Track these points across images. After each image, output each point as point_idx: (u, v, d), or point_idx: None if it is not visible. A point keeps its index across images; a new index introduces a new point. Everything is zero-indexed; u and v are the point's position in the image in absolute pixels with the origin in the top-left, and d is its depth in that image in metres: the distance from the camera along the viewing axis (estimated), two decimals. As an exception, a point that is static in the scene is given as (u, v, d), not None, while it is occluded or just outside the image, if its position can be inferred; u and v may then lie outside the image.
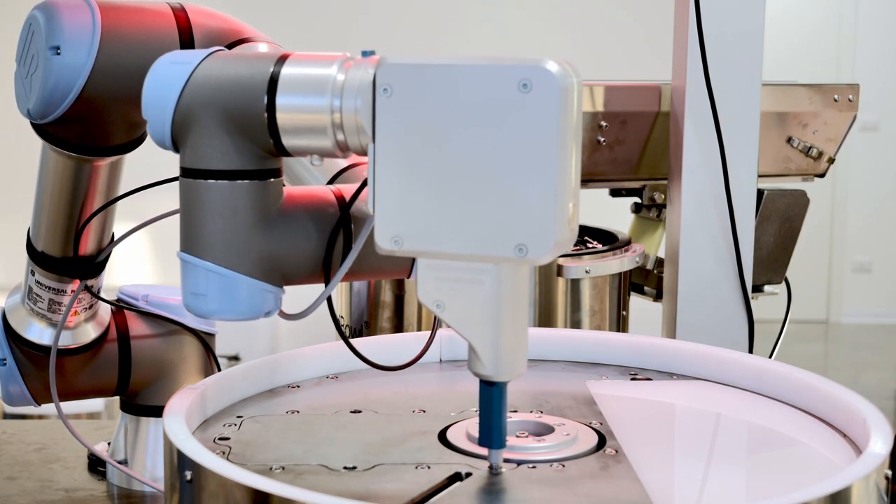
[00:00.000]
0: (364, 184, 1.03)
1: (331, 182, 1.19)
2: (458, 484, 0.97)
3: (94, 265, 1.36)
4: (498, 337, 0.93)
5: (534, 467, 1.01)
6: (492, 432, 0.97)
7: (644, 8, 4.56)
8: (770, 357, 1.64)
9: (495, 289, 0.91)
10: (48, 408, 1.47)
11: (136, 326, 1.48)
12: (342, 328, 1.18)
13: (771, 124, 1.78)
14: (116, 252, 1.48)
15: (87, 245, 1.35)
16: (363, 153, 0.94)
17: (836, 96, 1.83)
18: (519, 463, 1.02)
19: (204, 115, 0.95)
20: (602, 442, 1.08)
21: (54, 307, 1.39)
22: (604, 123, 1.71)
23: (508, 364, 0.95)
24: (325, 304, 1.08)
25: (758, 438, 1.17)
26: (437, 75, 0.88)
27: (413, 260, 1.04)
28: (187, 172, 0.98)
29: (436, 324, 1.21)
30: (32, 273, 1.38)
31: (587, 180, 1.76)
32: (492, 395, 0.96)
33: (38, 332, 1.43)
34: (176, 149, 0.99)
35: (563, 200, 0.88)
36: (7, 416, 3.22)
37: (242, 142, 0.96)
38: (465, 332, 0.93)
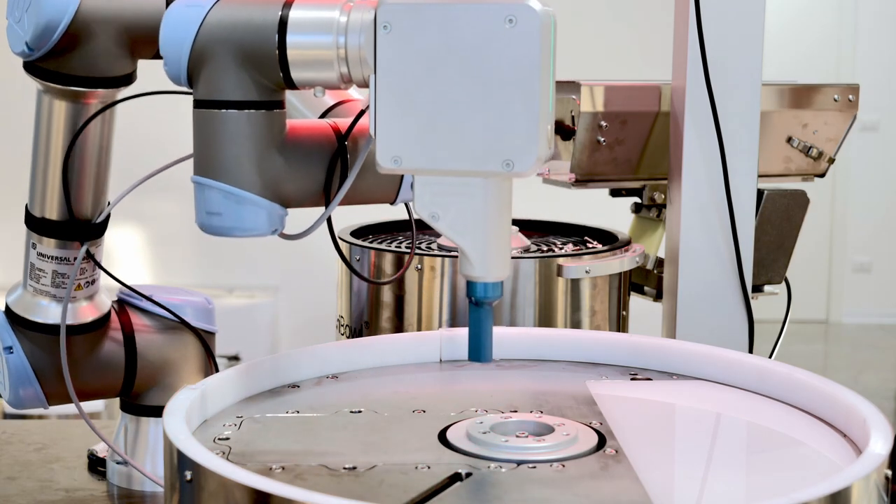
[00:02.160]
0: (358, 117, 1.16)
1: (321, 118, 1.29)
2: (458, 484, 0.98)
3: (94, 227, 1.38)
4: (487, 242, 1.04)
5: (534, 467, 1.01)
6: (481, 349, 1.08)
7: (644, 8, 4.56)
8: (770, 357, 1.64)
9: (485, 200, 1.02)
10: (49, 408, 1.47)
11: (140, 326, 1.48)
12: (342, 253, 1.35)
13: (771, 124, 1.78)
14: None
15: (85, 207, 1.37)
16: (364, 84, 1.06)
17: (836, 96, 1.83)
18: (519, 463, 1.02)
19: (219, 53, 1.07)
20: (602, 442, 1.08)
21: (58, 280, 1.40)
22: (604, 123, 1.71)
23: (495, 266, 1.05)
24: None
25: (758, 438, 1.17)
26: (432, 12, 0.99)
27: (398, 187, 1.22)
28: (202, 104, 1.09)
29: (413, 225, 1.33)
30: (34, 247, 1.39)
31: (587, 180, 1.76)
32: (480, 315, 1.07)
33: (44, 311, 1.42)
34: (189, 84, 1.10)
35: (544, 121, 0.99)
36: (7, 416, 3.22)
37: (253, 76, 1.08)
38: (458, 239, 1.04)
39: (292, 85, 1.09)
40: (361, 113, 1.17)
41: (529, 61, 0.98)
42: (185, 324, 1.48)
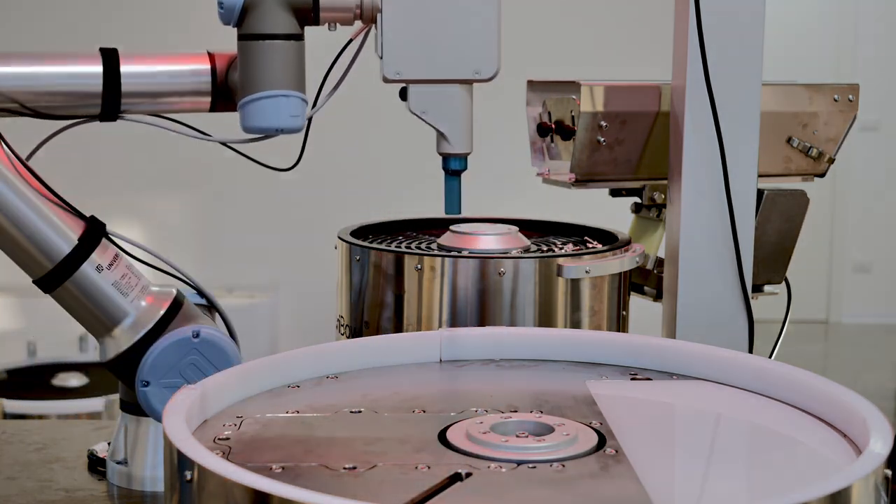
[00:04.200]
0: (336, 59, 1.53)
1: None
2: (458, 484, 0.98)
3: (94, 218, 1.42)
4: (462, 126, 1.49)
5: (534, 467, 1.01)
6: (454, 206, 1.54)
7: (644, 8, 4.56)
8: (770, 357, 1.64)
9: (460, 97, 1.48)
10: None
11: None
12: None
13: (771, 124, 1.78)
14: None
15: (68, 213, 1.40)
16: (371, 19, 1.44)
17: (836, 96, 1.83)
18: (519, 463, 1.02)
19: (268, 0, 1.40)
20: (602, 442, 1.08)
21: (134, 271, 1.45)
22: (604, 123, 1.71)
23: (465, 144, 1.50)
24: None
25: (758, 438, 1.17)
26: None
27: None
28: (251, 37, 1.41)
29: None
30: (99, 270, 1.40)
31: (587, 180, 1.76)
32: (454, 183, 1.53)
33: (164, 294, 1.46)
34: (236, 24, 1.41)
35: (500, 43, 1.45)
36: (7, 416, 3.22)
37: (293, 16, 1.42)
38: (442, 126, 1.48)
39: (317, 23, 1.43)
40: (339, 55, 1.51)
41: (491, 1, 1.45)
42: (211, 306, 1.53)
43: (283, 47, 1.42)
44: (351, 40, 1.50)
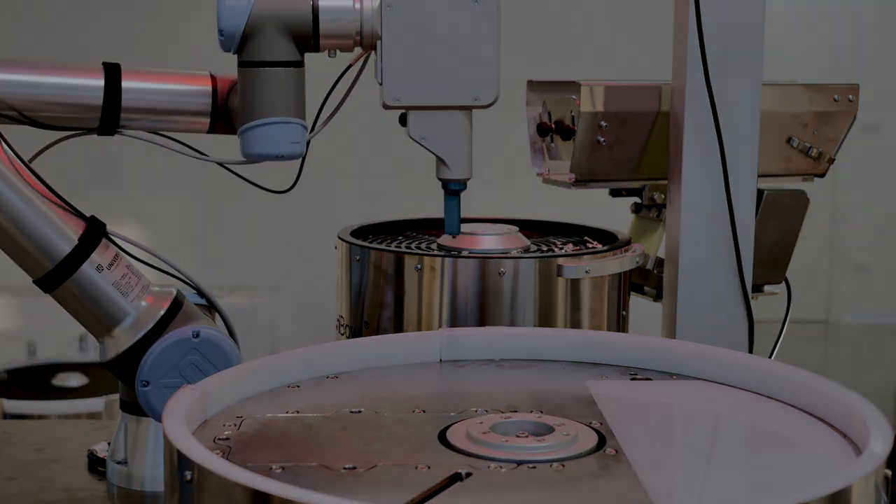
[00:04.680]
0: (334, 86, 1.53)
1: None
2: (458, 484, 0.98)
3: (93, 217, 1.42)
4: (461, 152, 1.48)
5: (534, 467, 1.01)
6: (453, 226, 1.52)
7: (644, 8, 4.56)
8: (770, 357, 1.64)
9: (460, 123, 1.47)
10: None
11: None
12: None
13: (771, 124, 1.78)
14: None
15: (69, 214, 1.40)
16: (371, 46, 1.44)
17: (836, 96, 1.83)
18: (519, 463, 1.02)
19: (269, 27, 1.40)
20: (602, 442, 1.08)
21: (135, 271, 1.44)
22: (604, 123, 1.71)
23: (466, 169, 1.49)
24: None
25: (758, 438, 1.17)
26: None
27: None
28: (251, 64, 1.41)
29: None
30: (99, 270, 1.40)
31: (587, 180, 1.76)
32: (453, 202, 1.51)
33: (164, 294, 1.45)
34: (235, 50, 1.40)
35: (498, 69, 1.45)
36: (7, 416, 3.22)
37: (293, 43, 1.42)
38: (442, 152, 1.47)
39: (317, 49, 1.43)
40: (338, 80, 1.50)
41: (490, 28, 1.44)
42: (211, 305, 1.53)
43: (284, 74, 1.42)
44: (350, 65, 1.49)
